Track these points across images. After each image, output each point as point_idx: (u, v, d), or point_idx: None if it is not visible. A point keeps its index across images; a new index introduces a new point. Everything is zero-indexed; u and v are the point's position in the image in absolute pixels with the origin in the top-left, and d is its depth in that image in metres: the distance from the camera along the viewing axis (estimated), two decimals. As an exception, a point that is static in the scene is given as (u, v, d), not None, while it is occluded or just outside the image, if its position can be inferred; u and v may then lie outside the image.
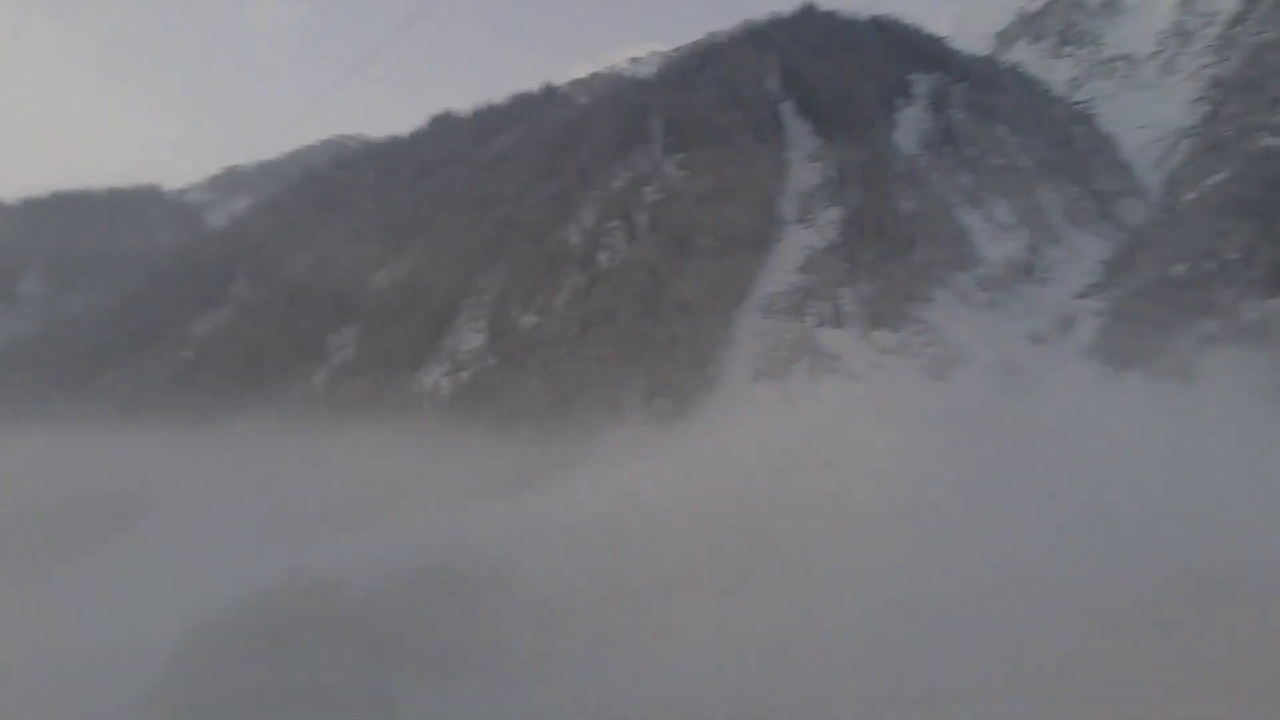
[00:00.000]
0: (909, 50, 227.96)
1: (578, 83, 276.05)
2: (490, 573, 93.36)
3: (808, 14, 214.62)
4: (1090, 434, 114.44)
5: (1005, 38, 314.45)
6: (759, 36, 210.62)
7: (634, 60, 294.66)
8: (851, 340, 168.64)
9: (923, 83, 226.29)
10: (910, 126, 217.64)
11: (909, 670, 72.16)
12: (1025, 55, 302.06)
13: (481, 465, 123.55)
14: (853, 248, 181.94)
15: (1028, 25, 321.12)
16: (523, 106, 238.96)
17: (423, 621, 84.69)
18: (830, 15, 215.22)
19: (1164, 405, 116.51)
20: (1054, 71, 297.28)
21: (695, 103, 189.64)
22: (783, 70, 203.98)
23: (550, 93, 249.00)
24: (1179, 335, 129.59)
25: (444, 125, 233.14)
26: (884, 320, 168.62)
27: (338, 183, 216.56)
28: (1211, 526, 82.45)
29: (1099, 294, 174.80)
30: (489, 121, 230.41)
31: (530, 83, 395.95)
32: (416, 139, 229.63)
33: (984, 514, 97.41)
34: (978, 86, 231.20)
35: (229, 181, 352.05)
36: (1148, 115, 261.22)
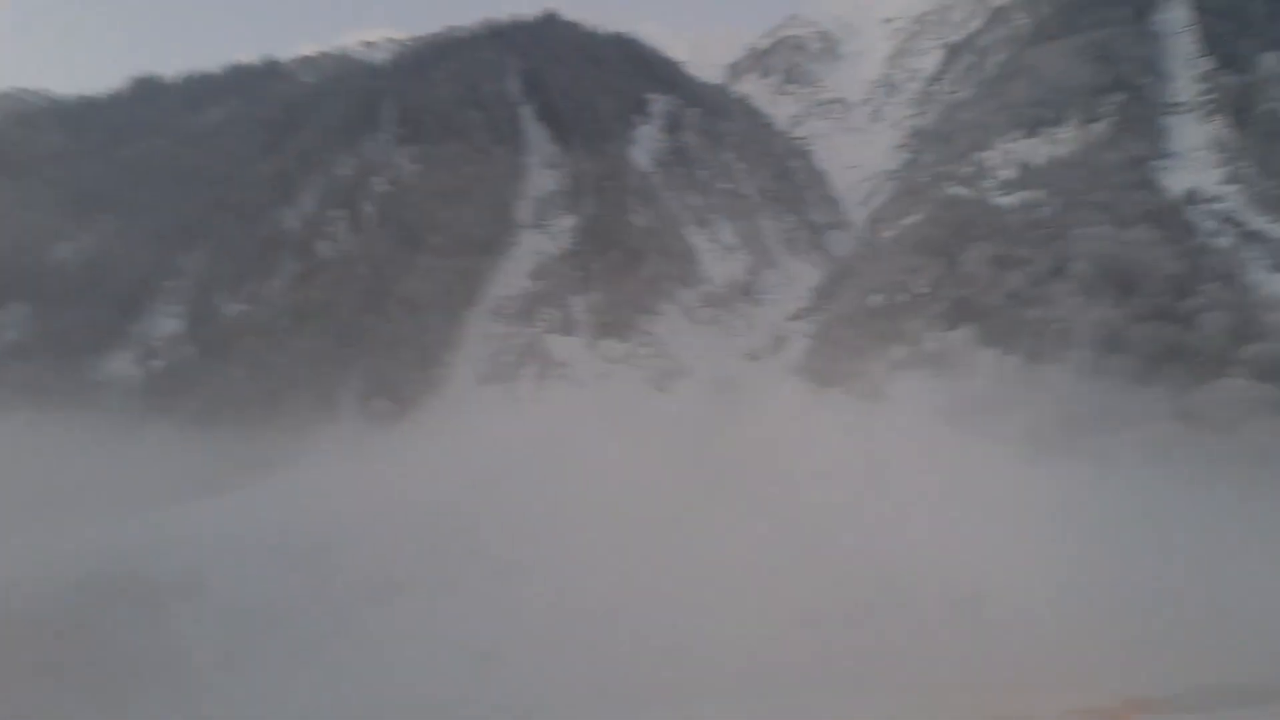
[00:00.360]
0: (647, 70, 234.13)
1: (304, 60, 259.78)
2: (179, 579, 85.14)
3: (550, 21, 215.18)
4: (795, 447, 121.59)
5: (736, 70, 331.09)
6: (500, 37, 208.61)
7: (367, 44, 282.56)
8: (580, 348, 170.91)
9: (659, 103, 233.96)
10: (646, 144, 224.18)
11: (613, 669, 73.03)
12: (754, 89, 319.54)
13: (176, 462, 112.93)
14: (585, 257, 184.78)
15: (757, 61, 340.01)
16: (240, 78, 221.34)
17: (99, 633, 75.75)
18: (573, 26, 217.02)
19: (859, 422, 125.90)
20: (778, 107, 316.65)
21: (432, 96, 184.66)
22: (523, 74, 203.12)
23: (272, 67, 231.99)
24: (874, 359, 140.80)
25: (147, 89, 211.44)
26: (612, 330, 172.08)
27: (13, 142, 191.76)
28: (880, 532, 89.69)
29: (808, 317, 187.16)
30: (200, 91, 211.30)
31: (249, 54, 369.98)
32: (115, 102, 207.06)
33: (694, 520, 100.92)
34: (710, 113, 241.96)
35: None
36: (857, 156, 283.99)
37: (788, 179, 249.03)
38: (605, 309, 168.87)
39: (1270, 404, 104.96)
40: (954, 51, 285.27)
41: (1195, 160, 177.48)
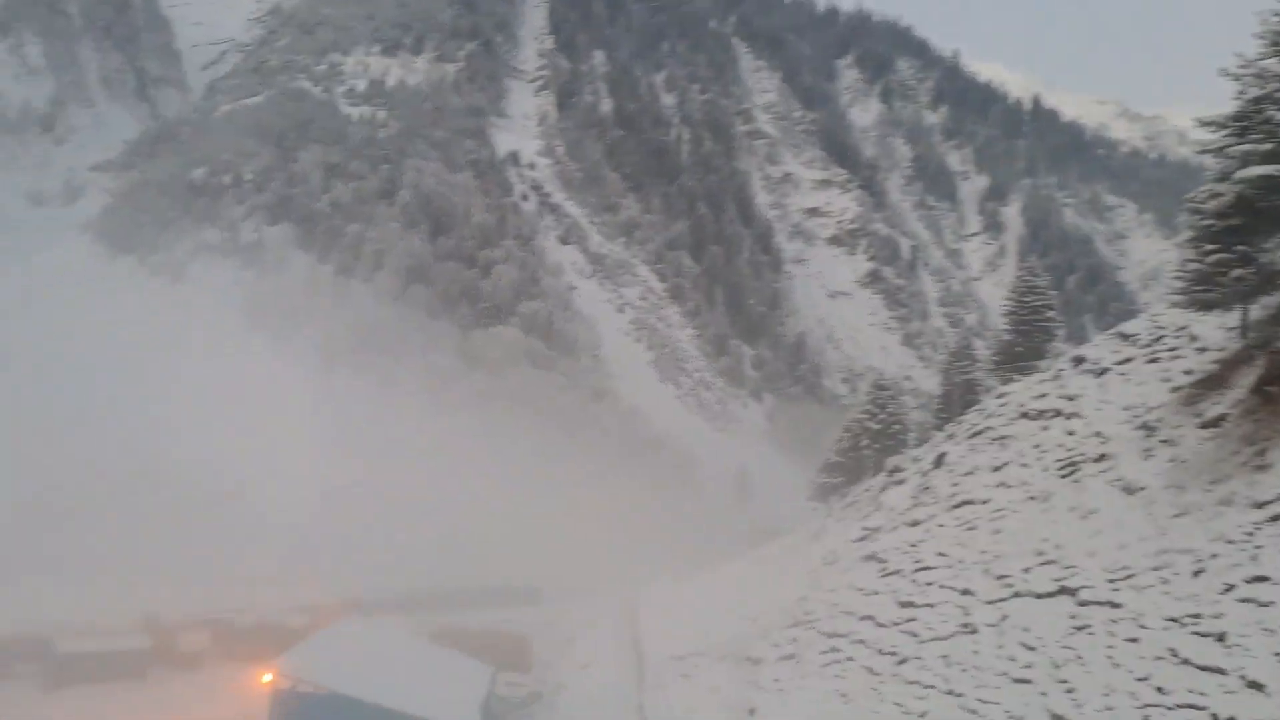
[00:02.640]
0: None
1: None
2: None
3: None
4: (75, 311, 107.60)
5: None
6: None
7: None
8: None
9: None
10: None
11: None
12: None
13: None
14: None
15: None
16: None
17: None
18: None
19: (153, 298, 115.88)
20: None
21: None
22: None
23: None
24: (181, 235, 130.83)
25: None
26: None
27: None
28: (147, 419, 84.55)
29: (115, 172, 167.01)
30: None
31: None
32: None
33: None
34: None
35: None
36: (208, 14, 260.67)
37: (124, 13, 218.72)
38: None
39: (531, 355, 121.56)
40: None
41: (522, 126, 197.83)
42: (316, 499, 76.86)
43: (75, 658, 48.08)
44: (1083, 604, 20.98)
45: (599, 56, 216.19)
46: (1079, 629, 20.29)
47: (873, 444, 60.50)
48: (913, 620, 28.10)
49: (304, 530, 72.95)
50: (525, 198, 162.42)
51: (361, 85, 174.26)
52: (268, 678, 38.99)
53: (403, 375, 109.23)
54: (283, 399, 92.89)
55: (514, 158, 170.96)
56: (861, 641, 29.83)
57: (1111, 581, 20.59)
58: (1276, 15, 21.09)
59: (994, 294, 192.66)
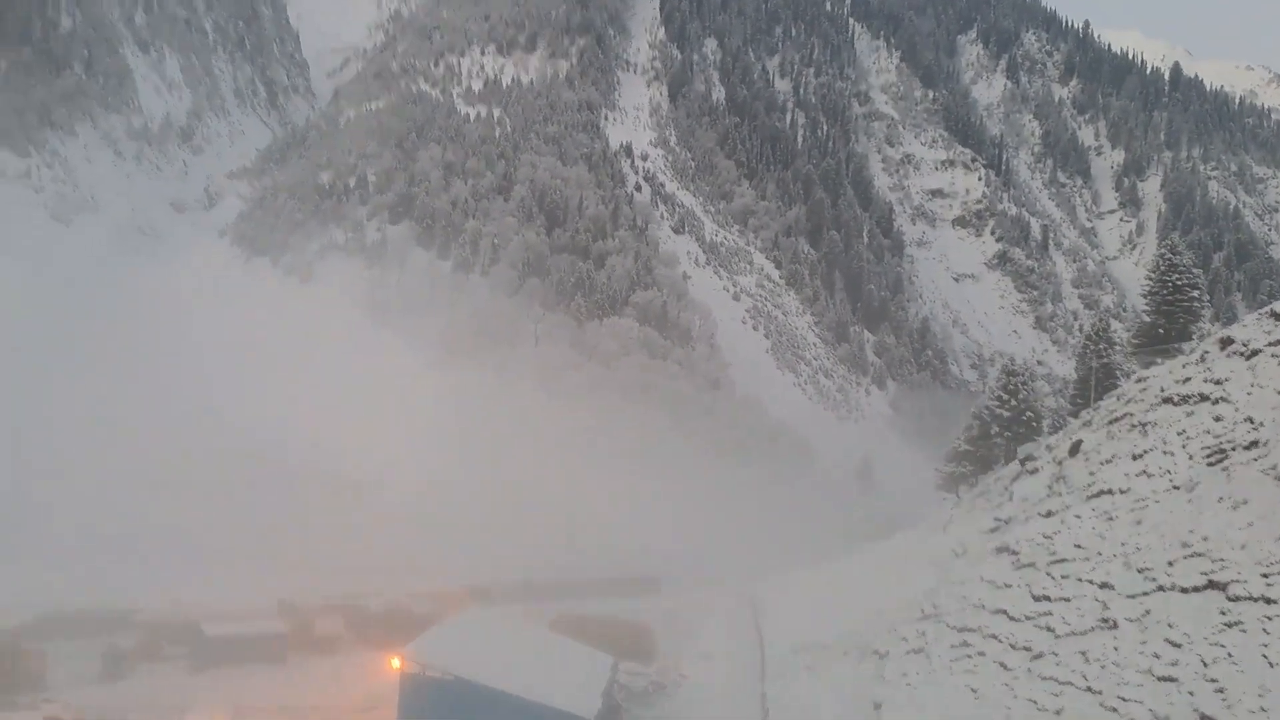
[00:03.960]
0: None
1: None
2: None
3: None
4: (213, 312, 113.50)
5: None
6: None
7: None
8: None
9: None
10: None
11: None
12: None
13: None
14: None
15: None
16: None
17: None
18: None
19: (281, 298, 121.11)
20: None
21: None
22: None
23: None
24: (310, 237, 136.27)
25: None
26: (8, 140, 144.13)
27: None
28: (276, 412, 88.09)
29: (249, 178, 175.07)
30: None
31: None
32: None
33: (84, 367, 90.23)
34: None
35: None
36: (333, 24, 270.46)
37: (253, 26, 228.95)
38: (3, 113, 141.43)
39: (646, 344, 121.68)
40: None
41: (635, 117, 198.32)
42: (438, 488, 78.88)
43: (220, 641, 50.45)
44: (1233, 599, 19.50)
45: (710, 45, 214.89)
46: (1229, 625, 18.88)
47: (1004, 431, 58.20)
48: (1048, 614, 26.73)
49: (427, 518, 74.94)
50: (639, 188, 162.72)
51: (478, 85, 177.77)
52: (397, 663, 39.98)
53: (520, 366, 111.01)
54: (405, 391, 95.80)
55: (627, 149, 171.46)
56: (994, 636, 28.57)
57: (1265, 576, 19.07)
58: None
59: (1133, 273, 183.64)
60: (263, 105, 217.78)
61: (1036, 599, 28.35)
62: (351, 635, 55.44)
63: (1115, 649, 21.99)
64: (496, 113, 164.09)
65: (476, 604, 55.67)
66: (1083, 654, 22.97)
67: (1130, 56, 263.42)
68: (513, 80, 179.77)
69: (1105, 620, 23.62)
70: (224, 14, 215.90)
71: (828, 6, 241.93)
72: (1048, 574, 29.47)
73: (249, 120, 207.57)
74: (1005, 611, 29.40)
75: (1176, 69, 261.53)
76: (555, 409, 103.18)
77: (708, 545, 79.43)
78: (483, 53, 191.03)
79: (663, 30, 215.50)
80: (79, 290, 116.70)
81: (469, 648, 41.72)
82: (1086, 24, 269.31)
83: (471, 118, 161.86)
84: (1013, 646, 26.80)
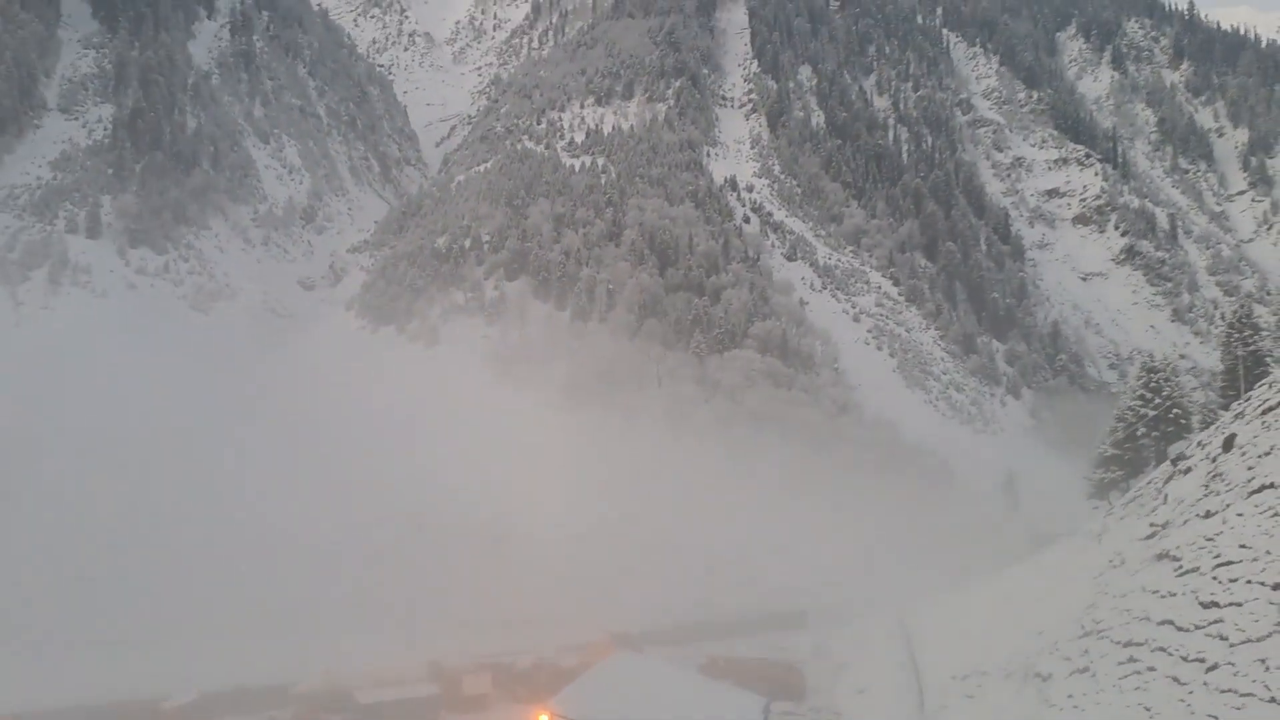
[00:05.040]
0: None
1: None
2: None
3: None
4: (344, 383, 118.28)
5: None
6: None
7: None
8: (106, 254, 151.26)
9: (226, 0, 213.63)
10: (208, 40, 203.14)
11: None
12: (336, 3, 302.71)
13: None
14: (123, 153, 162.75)
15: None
16: None
17: None
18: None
19: (410, 363, 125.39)
20: (361, 29, 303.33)
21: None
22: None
23: None
24: (432, 301, 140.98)
25: None
26: (148, 239, 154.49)
27: None
28: (420, 472, 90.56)
29: (370, 251, 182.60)
30: None
31: None
32: None
33: (230, 448, 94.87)
34: (283, 20, 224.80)
35: None
36: (437, 95, 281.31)
37: (363, 105, 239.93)
38: (142, 215, 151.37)
39: (770, 375, 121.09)
40: (539, 8, 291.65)
41: (736, 151, 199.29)
42: (576, 536, 79.72)
43: (373, 707, 52.37)
44: None
45: (805, 72, 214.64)
46: None
47: (1151, 431, 55.79)
48: (1219, 622, 25.36)
49: (568, 567, 75.73)
50: (747, 220, 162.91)
51: (580, 137, 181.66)
52: (545, 717, 40.45)
53: (646, 408, 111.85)
54: (534, 442, 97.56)
55: (731, 183, 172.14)
56: (1162, 649, 27.26)
57: None
58: None
59: (1272, 254, 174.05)
60: (377, 180, 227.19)
61: (1205, 606, 26.98)
62: (499, 692, 56.52)
63: (1298, 654, 20.73)
64: (600, 161, 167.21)
65: (622, 651, 56.00)
66: (1262, 662, 21.74)
67: (1243, 33, 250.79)
68: (613, 128, 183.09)
69: (1283, 624, 22.33)
70: (335, 98, 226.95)
71: (919, 20, 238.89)
72: (1214, 578, 28.03)
73: (365, 195, 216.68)
74: (1172, 622, 28.07)
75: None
76: (685, 447, 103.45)
77: (852, 574, 77.95)
78: (582, 106, 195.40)
79: (756, 63, 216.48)
80: (224, 373, 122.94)
81: (617, 696, 42.03)
82: (1191, 4, 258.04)
83: (577, 169, 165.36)
84: (1184, 659, 25.52)
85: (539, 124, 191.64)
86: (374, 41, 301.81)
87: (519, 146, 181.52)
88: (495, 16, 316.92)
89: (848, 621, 68.17)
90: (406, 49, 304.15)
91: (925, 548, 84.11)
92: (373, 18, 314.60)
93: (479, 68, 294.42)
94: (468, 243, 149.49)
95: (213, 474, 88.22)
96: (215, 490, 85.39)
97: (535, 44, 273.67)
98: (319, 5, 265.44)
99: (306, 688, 54.99)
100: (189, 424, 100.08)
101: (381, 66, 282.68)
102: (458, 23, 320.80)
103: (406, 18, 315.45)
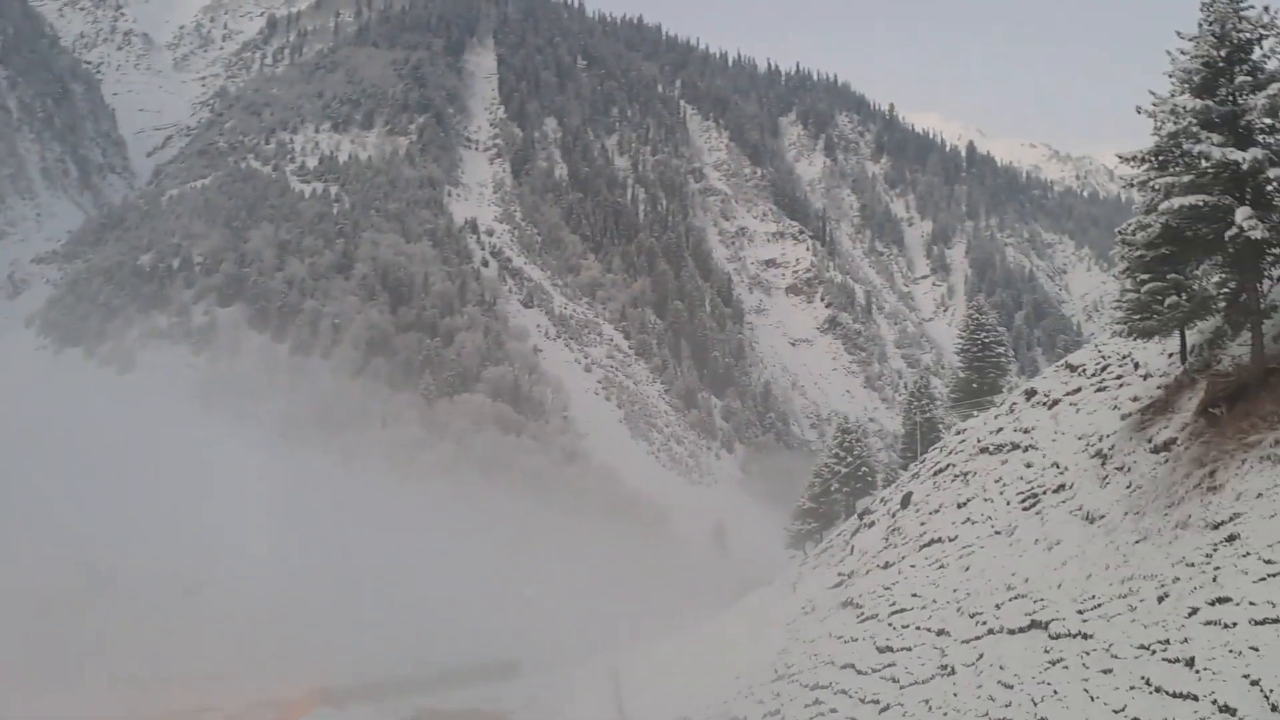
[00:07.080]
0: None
1: None
2: None
3: None
4: (15, 410, 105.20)
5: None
6: None
7: None
8: None
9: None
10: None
11: None
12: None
13: None
14: None
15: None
16: None
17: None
18: None
19: (101, 388, 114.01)
20: (68, 20, 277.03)
21: None
22: None
23: None
24: (129, 323, 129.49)
25: None
26: None
27: None
28: (109, 517, 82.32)
29: (59, 263, 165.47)
30: None
31: None
32: None
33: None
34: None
35: None
36: (153, 101, 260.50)
37: (63, 104, 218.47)
38: None
39: (499, 420, 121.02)
40: (275, 24, 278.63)
41: (479, 194, 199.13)
42: (283, 585, 75.10)
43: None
44: (1055, 637, 20.94)
45: (550, 123, 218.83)
46: (1053, 663, 20.23)
47: (843, 487, 60.76)
48: (892, 665, 27.90)
49: (271, 618, 70.97)
50: (485, 264, 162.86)
51: (312, 162, 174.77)
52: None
53: (368, 449, 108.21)
54: (243, 484, 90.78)
55: (472, 225, 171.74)
56: (844, 691, 29.55)
57: (1081, 612, 20.64)
58: (1184, 54, 21.99)
59: (947, 333, 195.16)
60: (74, 185, 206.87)
61: (881, 650, 29.61)
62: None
63: (954, 695, 23.07)
64: (334, 189, 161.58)
65: (324, 708, 53.17)
66: (925, 702, 24.07)
67: (931, 136, 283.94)
68: (350, 157, 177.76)
69: (944, 667, 24.87)
70: (30, 91, 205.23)
71: (659, 89, 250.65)
72: (889, 625, 30.88)
73: (59, 201, 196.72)
74: (853, 665, 30.54)
75: (971, 147, 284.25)
76: (408, 491, 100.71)
77: (570, 622, 78.49)
78: (317, 130, 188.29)
79: (503, 109, 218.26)
80: None
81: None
82: (892, 107, 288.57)
83: (307, 194, 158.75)
84: (862, 700, 27.75)
85: (267, 144, 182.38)
86: (82, 35, 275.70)
87: (243, 165, 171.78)
88: (226, 26, 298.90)
89: (562, 670, 68.51)
90: (120, 48, 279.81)
91: (642, 594, 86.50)
92: (82, 9, 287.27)
93: (203, 78, 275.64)
94: (176, 262, 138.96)
95: None
96: None
97: (269, 60, 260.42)
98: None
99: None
100: None
101: (89, 64, 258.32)
102: (182, 27, 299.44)
103: (123, 14, 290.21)
